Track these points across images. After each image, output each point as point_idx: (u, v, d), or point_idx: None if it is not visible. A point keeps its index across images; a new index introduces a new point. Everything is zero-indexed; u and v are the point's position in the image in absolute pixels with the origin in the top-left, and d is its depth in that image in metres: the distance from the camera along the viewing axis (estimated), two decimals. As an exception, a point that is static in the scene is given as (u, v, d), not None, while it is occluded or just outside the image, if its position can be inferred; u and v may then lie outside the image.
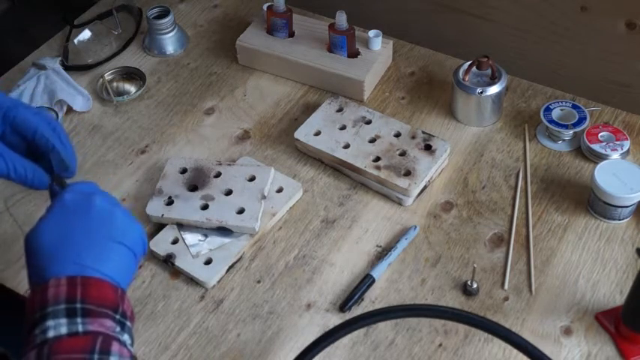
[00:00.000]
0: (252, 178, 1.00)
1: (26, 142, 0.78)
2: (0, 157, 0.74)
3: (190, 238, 0.96)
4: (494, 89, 1.05)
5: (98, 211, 0.70)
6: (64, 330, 0.63)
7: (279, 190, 1.00)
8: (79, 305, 0.64)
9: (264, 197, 0.98)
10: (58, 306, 0.63)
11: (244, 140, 1.10)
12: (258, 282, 0.93)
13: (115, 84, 1.21)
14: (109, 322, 0.65)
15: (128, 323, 0.68)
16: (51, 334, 0.62)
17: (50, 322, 0.63)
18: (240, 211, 0.96)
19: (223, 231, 0.96)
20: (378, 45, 1.15)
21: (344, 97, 1.11)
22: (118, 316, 0.66)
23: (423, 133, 1.04)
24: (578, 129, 1.04)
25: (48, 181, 0.78)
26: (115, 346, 0.63)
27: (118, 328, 0.66)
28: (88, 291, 0.65)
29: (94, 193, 0.72)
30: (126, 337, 0.67)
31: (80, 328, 0.63)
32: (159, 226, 0.98)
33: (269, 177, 1.00)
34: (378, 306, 0.90)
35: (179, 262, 0.93)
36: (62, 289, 0.64)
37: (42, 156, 0.79)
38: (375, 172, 1.00)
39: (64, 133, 0.80)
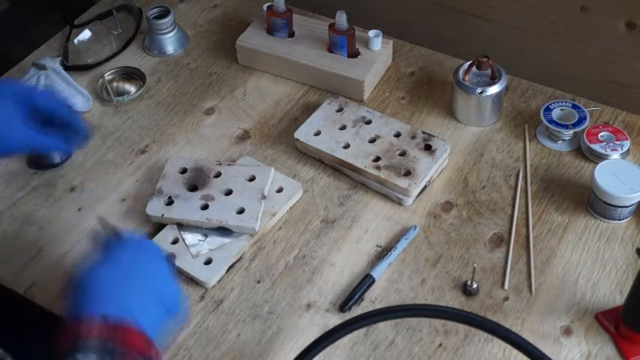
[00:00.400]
0: (252, 178, 1.00)
1: (44, 119, 0.87)
2: (35, 136, 0.85)
3: (190, 238, 0.96)
4: (494, 89, 1.05)
5: (148, 265, 0.73)
6: None
7: (279, 190, 1.00)
8: (110, 345, 0.64)
9: (264, 197, 0.98)
10: (91, 342, 0.64)
11: (244, 140, 1.10)
12: (258, 282, 0.93)
13: (115, 84, 1.21)
14: None
15: None
16: None
17: (80, 356, 0.63)
18: (240, 211, 0.96)
19: (223, 231, 0.96)
20: (378, 45, 1.15)
21: (344, 97, 1.11)
22: None
23: (423, 133, 1.04)
24: (578, 129, 1.04)
25: (72, 148, 0.92)
26: None
27: None
28: (122, 335, 0.66)
29: (146, 247, 0.76)
30: None
31: None
32: (159, 226, 0.98)
33: (269, 177, 1.00)
34: (378, 306, 0.90)
35: (179, 262, 0.93)
36: (95, 330, 0.65)
37: (60, 127, 0.89)
38: (375, 172, 1.00)
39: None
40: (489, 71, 1.07)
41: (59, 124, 0.89)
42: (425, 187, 1.01)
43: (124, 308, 0.68)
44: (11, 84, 0.85)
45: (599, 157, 1.01)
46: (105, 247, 0.74)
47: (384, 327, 0.87)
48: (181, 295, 0.76)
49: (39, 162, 1.07)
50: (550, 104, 1.06)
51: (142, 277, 0.72)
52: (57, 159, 1.07)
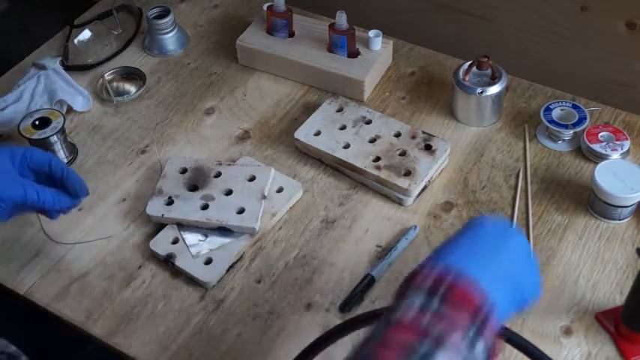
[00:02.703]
0: (252, 178, 1.00)
1: (40, 177, 0.89)
2: (30, 189, 0.84)
3: (190, 238, 0.96)
4: (494, 89, 1.05)
5: (514, 245, 0.70)
6: (417, 304, 0.62)
7: (279, 190, 1.00)
8: (441, 291, 0.63)
9: (264, 197, 0.98)
10: (423, 284, 0.63)
11: (244, 140, 1.10)
12: (258, 282, 0.93)
13: (115, 84, 1.21)
14: (463, 321, 0.62)
15: (487, 334, 0.63)
16: (403, 308, 0.62)
17: (409, 296, 0.63)
18: (240, 211, 0.96)
19: (223, 231, 0.96)
20: (378, 45, 1.15)
21: (344, 97, 1.11)
22: (476, 324, 0.62)
23: (423, 133, 1.04)
24: (578, 129, 1.04)
25: (70, 203, 0.89)
26: (456, 338, 0.60)
27: (470, 333, 0.62)
28: (456, 286, 0.63)
29: (508, 233, 0.72)
30: (479, 347, 0.62)
31: (433, 307, 0.62)
32: (159, 226, 0.98)
33: (269, 177, 1.00)
34: (378, 306, 0.89)
35: (179, 262, 0.93)
36: (434, 274, 0.64)
37: (56, 184, 0.89)
38: (375, 172, 1.00)
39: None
40: (489, 71, 1.07)
41: (56, 182, 0.89)
42: (425, 187, 1.01)
43: (478, 272, 0.65)
44: (5, 144, 0.86)
45: (599, 157, 1.01)
46: (472, 222, 0.72)
47: (384, 327, 0.87)
48: (539, 291, 0.72)
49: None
50: (550, 104, 1.06)
51: (510, 260, 0.69)
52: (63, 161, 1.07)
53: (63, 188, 0.89)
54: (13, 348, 0.74)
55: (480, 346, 0.62)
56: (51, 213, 0.90)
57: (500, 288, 0.66)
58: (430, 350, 0.59)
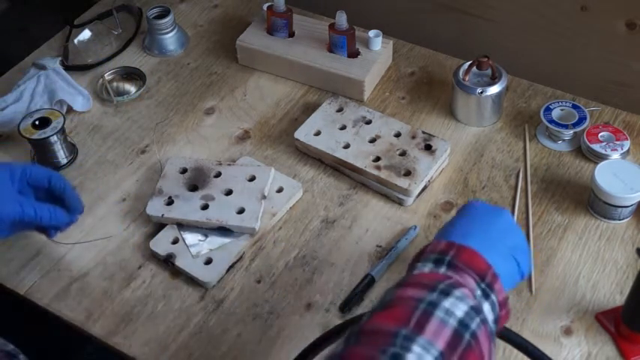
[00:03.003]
0: (252, 178, 1.00)
1: (40, 193, 0.90)
2: (27, 206, 0.85)
3: (190, 238, 0.96)
4: (494, 89, 1.05)
5: (503, 221, 0.75)
6: (426, 269, 0.68)
7: (279, 190, 1.00)
8: (447, 258, 0.68)
9: (264, 197, 0.98)
10: (430, 256, 0.70)
11: (244, 140, 1.10)
12: (258, 282, 0.93)
13: (115, 84, 1.21)
14: (471, 281, 0.67)
15: (493, 296, 0.68)
16: (415, 272, 0.69)
17: (418, 264, 0.69)
18: (240, 211, 0.96)
19: (223, 231, 0.96)
20: (378, 45, 1.15)
21: (344, 97, 1.11)
22: (482, 284, 0.68)
23: (423, 133, 1.04)
24: (578, 129, 1.04)
25: (67, 219, 0.90)
26: (464, 290, 0.65)
27: (478, 292, 0.67)
28: (460, 254, 0.69)
29: (503, 210, 0.77)
30: (485, 305, 0.67)
31: (442, 270, 0.68)
32: (159, 226, 0.98)
33: (269, 177, 1.00)
34: (378, 306, 0.89)
35: (179, 262, 0.93)
36: (439, 247, 0.70)
37: (55, 200, 0.90)
38: (375, 172, 1.00)
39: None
40: (489, 71, 1.07)
41: (56, 198, 0.91)
42: (425, 187, 1.01)
43: (478, 244, 0.70)
44: (5, 163, 0.88)
45: (600, 157, 1.01)
46: (474, 203, 0.78)
47: (384, 327, 0.87)
48: (530, 264, 0.77)
49: (44, 163, 1.07)
50: (550, 104, 1.06)
51: (495, 229, 0.74)
52: (63, 161, 1.07)
53: (62, 205, 0.90)
54: (11, 346, 0.74)
55: (493, 298, 0.67)
56: (49, 230, 0.92)
57: (499, 260, 0.71)
58: (448, 288, 0.64)
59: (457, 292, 0.64)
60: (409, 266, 0.72)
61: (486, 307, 0.67)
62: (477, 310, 0.64)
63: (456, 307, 0.62)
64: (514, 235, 0.75)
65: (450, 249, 0.70)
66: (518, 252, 0.74)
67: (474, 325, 0.62)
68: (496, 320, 0.67)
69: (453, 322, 0.61)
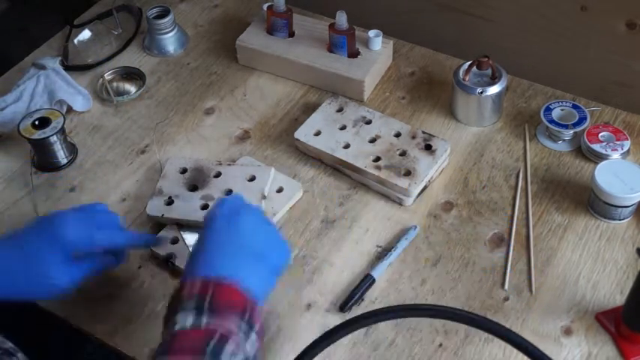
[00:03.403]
0: (252, 178, 1.00)
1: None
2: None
3: (190, 238, 0.96)
4: (494, 89, 1.05)
5: (243, 228, 0.76)
6: (188, 324, 0.67)
7: (279, 190, 1.00)
8: (207, 304, 0.68)
9: (264, 197, 0.98)
10: (189, 302, 0.69)
11: (244, 140, 1.10)
12: (258, 282, 0.93)
13: (115, 84, 1.21)
14: (232, 326, 0.68)
15: (253, 334, 0.70)
16: (177, 328, 0.67)
17: (179, 317, 0.68)
18: (240, 211, 0.96)
19: (223, 231, 0.96)
20: (378, 45, 1.15)
21: (344, 97, 1.11)
22: (244, 323, 0.69)
23: (423, 133, 1.04)
24: (578, 129, 1.04)
25: (114, 262, 0.88)
26: (232, 344, 0.66)
27: (243, 330, 0.69)
28: (218, 292, 0.70)
29: (240, 209, 0.79)
30: (248, 347, 0.68)
31: (204, 322, 0.67)
32: (159, 226, 0.98)
33: (269, 177, 1.00)
34: (378, 306, 0.89)
35: (179, 262, 0.93)
36: (196, 288, 0.70)
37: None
38: (375, 172, 1.00)
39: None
40: (489, 71, 1.07)
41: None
42: (425, 187, 1.01)
43: (219, 269, 0.72)
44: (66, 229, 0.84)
45: (600, 157, 1.01)
46: (213, 213, 0.78)
47: (384, 327, 0.87)
48: (287, 252, 0.80)
49: (44, 163, 1.07)
50: (550, 104, 1.06)
51: (239, 240, 0.75)
52: (63, 161, 1.07)
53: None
54: (9, 344, 0.74)
55: (254, 332, 0.70)
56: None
57: (252, 275, 0.73)
58: (218, 348, 0.65)
59: (228, 349, 0.66)
60: (168, 313, 0.70)
61: (249, 344, 0.69)
62: None
63: None
64: (261, 236, 0.77)
65: (207, 289, 0.69)
66: (269, 248, 0.76)
67: None
68: (256, 354, 0.70)
69: None
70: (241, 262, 0.74)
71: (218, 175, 1.01)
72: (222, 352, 0.65)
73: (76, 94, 1.14)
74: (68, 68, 1.19)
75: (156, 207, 0.98)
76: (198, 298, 0.69)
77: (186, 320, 0.68)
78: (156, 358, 0.66)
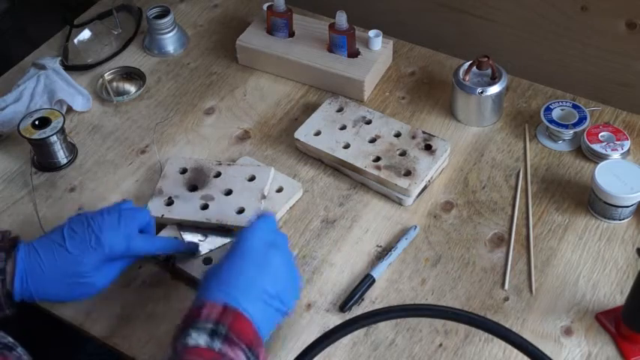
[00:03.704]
0: (252, 178, 1.00)
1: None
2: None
3: (190, 238, 0.96)
4: (494, 89, 1.05)
5: (274, 265, 0.78)
6: (202, 342, 0.70)
7: (279, 190, 1.00)
8: (223, 330, 0.71)
9: (264, 197, 0.98)
10: (207, 324, 0.71)
11: (244, 140, 1.10)
12: (258, 282, 0.93)
13: (115, 84, 1.21)
14: (241, 355, 0.71)
15: None
16: (191, 342, 0.70)
17: (194, 334, 0.70)
18: (240, 211, 0.96)
19: (223, 231, 0.96)
20: (378, 45, 1.15)
21: (344, 97, 1.11)
22: (250, 356, 0.71)
23: (423, 133, 1.04)
24: (578, 129, 1.04)
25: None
26: None
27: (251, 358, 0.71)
28: (235, 324, 0.72)
29: (275, 239, 0.80)
30: None
31: (217, 346, 0.70)
32: (159, 226, 0.98)
33: (269, 177, 1.00)
34: (378, 306, 0.89)
35: (179, 262, 0.93)
36: (215, 313, 0.72)
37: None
38: (375, 172, 1.00)
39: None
40: (489, 71, 1.07)
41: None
42: (425, 187, 1.01)
43: (240, 301, 0.74)
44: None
45: (600, 157, 1.01)
46: (252, 234, 0.79)
47: (384, 327, 0.87)
48: (298, 294, 0.81)
49: (44, 163, 1.07)
50: (550, 104, 1.06)
51: (263, 277, 0.77)
52: (63, 161, 1.07)
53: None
54: (9, 339, 0.74)
55: None
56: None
57: (267, 316, 0.76)
58: None
59: None
60: (183, 324, 0.72)
61: None
62: None
63: None
64: (285, 278, 0.79)
65: (226, 318, 0.72)
66: (285, 298, 0.78)
67: None
68: None
69: None
70: (262, 304, 0.76)
71: (218, 175, 1.01)
72: None
73: (76, 94, 1.14)
74: (68, 68, 1.19)
75: (156, 207, 0.98)
76: (215, 322, 0.71)
77: (199, 338, 0.70)
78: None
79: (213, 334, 0.70)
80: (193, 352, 0.69)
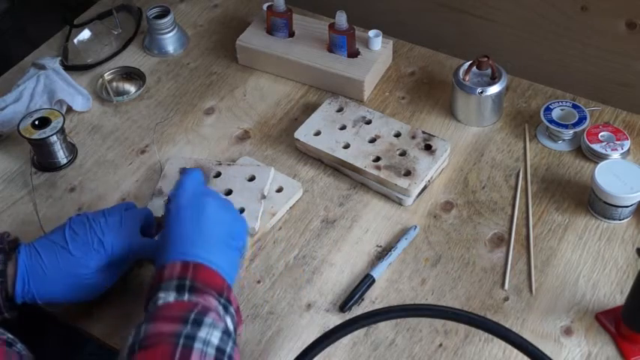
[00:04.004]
0: (252, 178, 1.00)
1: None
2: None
3: (190, 238, 0.95)
4: (494, 89, 1.05)
5: (208, 214, 0.80)
6: (171, 299, 0.72)
7: (279, 190, 1.00)
8: (188, 283, 0.73)
9: (264, 197, 0.98)
10: (171, 282, 0.73)
11: (244, 140, 1.10)
12: (258, 282, 0.93)
13: (114, 84, 1.21)
14: (213, 301, 0.73)
15: (232, 309, 0.75)
16: (160, 302, 0.72)
17: (161, 294, 0.73)
18: (240, 211, 0.96)
19: (223, 231, 0.96)
20: (378, 45, 1.15)
21: (344, 97, 1.11)
22: (222, 300, 0.74)
23: (423, 133, 1.04)
24: (578, 129, 1.04)
25: None
26: (212, 315, 0.71)
27: (221, 309, 0.74)
28: (197, 273, 0.74)
29: (201, 195, 0.82)
30: (228, 320, 0.74)
31: (186, 297, 0.72)
32: (159, 227, 0.97)
33: (269, 177, 1.00)
34: (378, 306, 0.89)
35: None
36: (176, 270, 0.74)
37: None
38: (375, 172, 1.00)
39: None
40: (489, 71, 1.07)
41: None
42: (425, 187, 1.01)
43: (196, 253, 0.76)
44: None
45: (600, 157, 1.01)
46: (176, 203, 0.81)
47: (384, 327, 0.87)
48: (246, 230, 0.85)
49: (44, 163, 1.07)
50: (550, 104, 1.06)
51: (209, 225, 0.79)
52: (63, 161, 1.07)
53: None
54: (8, 335, 0.74)
55: (231, 310, 0.75)
56: None
57: (224, 259, 0.78)
58: (199, 317, 0.70)
59: (208, 320, 0.70)
60: (149, 293, 0.75)
61: (228, 321, 0.73)
62: (227, 333, 0.71)
63: (212, 335, 0.69)
64: (226, 220, 0.81)
65: (187, 271, 0.74)
66: (234, 238, 0.80)
67: (229, 349, 0.70)
68: (235, 328, 0.76)
69: (211, 351, 0.68)
70: (213, 247, 0.78)
71: (218, 175, 1.01)
72: (203, 322, 0.69)
73: (76, 94, 1.14)
74: (68, 68, 1.19)
75: (156, 207, 0.98)
76: (179, 279, 0.73)
77: (168, 296, 0.72)
78: (140, 327, 0.70)
79: (179, 288, 0.73)
80: (164, 309, 0.71)
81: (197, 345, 0.67)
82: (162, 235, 0.81)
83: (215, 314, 0.71)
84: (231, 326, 0.74)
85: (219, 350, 0.69)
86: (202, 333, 0.68)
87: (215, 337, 0.69)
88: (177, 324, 0.69)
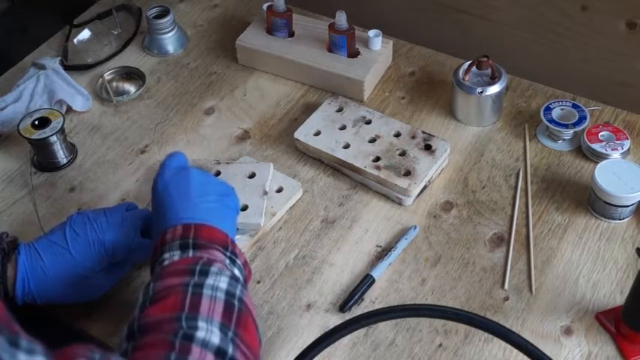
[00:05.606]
0: (252, 175, 1.00)
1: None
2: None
3: (190, 238, 0.95)
4: (494, 89, 1.05)
5: (194, 180, 0.81)
6: (176, 257, 0.73)
7: (279, 190, 1.00)
8: (191, 241, 0.74)
9: (265, 193, 0.98)
10: (174, 243, 0.74)
11: (244, 140, 1.10)
12: (258, 282, 0.93)
13: (114, 84, 1.21)
14: (218, 254, 0.74)
15: (239, 261, 0.76)
16: (166, 262, 0.73)
17: (166, 255, 0.74)
18: (244, 208, 0.96)
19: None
20: (378, 45, 1.15)
21: (344, 97, 1.11)
22: (228, 253, 0.75)
23: (423, 132, 1.04)
24: (578, 128, 1.04)
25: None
26: (218, 264, 0.72)
27: (227, 261, 0.74)
28: (199, 232, 0.75)
29: (181, 170, 0.83)
30: (235, 271, 0.74)
31: (190, 254, 0.73)
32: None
33: (269, 172, 1.00)
34: (378, 306, 0.89)
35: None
36: (178, 232, 0.75)
37: None
38: (375, 172, 1.00)
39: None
40: (489, 71, 1.07)
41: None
42: (425, 187, 1.01)
43: (195, 216, 0.77)
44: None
45: (600, 157, 1.01)
46: (161, 179, 0.82)
47: (384, 327, 0.87)
48: (235, 192, 0.86)
49: (44, 163, 1.07)
50: (550, 104, 1.06)
51: (198, 192, 0.80)
52: (63, 161, 1.07)
53: None
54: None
55: (238, 262, 0.76)
56: None
57: (221, 216, 0.80)
58: (204, 268, 0.71)
59: (214, 269, 0.71)
60: (153, 260, 0.76)
61: (236, 271, 0.74)
62: (235, 278, 0.71)
63: (219, 281, 0.70)
64: (212, 186, 0.82)
65: (189, 231, 0.75)
66: (225, 198, 0.82)
67: (238, 292, 0.71)
68: (245, 280, 0.76)
69: (221, 295, 0.69)
70: (209, 209, 0.79)
71: (218, 174, 1.01)
72: (209, 271, 0.70)
73: (76, 94, 1.14)
74: (68, 68, 1.19)
75: (156, 207, 0.98)
76: (181, 237, 0.74)
77: (173, 256, 0.73)
78: (148, 286, 0.70)
79: (183, 247, 0.73)
80: (170, 266, 0.72)
81: (206, 291, 0.68)
82: (154, 210, 0.81)
83: (221, 264, 0.72)
84: (239, 275, 0.75)
85: (229, 294, 0.70)
86: (210, 280, 0.69)
87: (223, 282, 0.70)
88: (185, 276, 0.70)
